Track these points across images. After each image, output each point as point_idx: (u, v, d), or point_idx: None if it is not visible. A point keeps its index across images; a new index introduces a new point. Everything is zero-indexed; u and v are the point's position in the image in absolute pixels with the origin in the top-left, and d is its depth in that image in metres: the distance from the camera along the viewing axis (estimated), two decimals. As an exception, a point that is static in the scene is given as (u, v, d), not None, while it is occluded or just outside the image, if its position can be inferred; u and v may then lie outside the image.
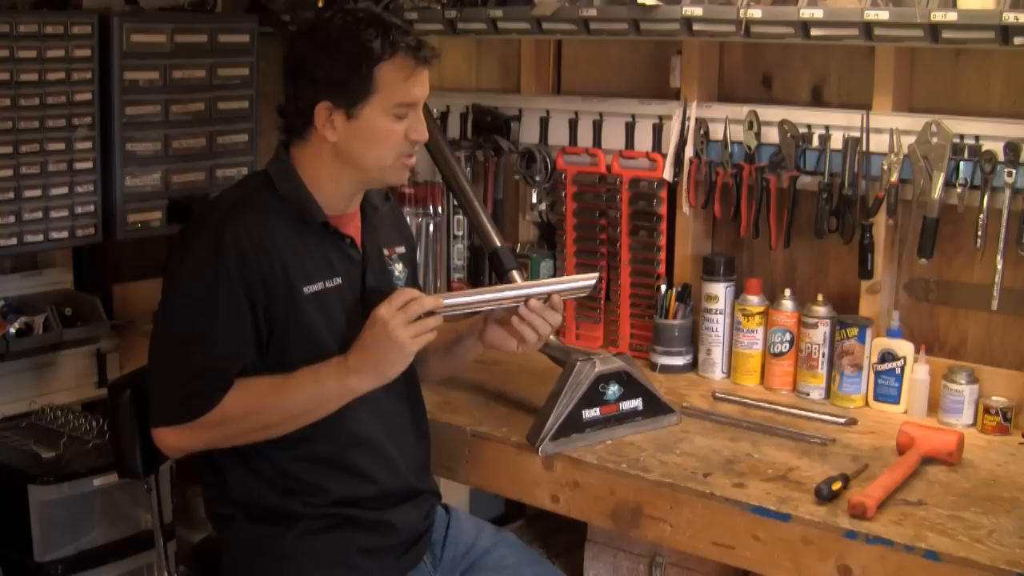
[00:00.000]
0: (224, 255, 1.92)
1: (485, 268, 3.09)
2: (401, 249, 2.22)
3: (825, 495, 2.00)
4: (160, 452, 2.28)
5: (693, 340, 2.80)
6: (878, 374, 2.53)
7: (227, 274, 1.92)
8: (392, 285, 2.15)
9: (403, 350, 1.93)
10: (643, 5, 2.58)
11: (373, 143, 1.99)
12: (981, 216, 2.35)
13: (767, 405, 2.54)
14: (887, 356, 2.51)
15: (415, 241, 2.34)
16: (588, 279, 2.19)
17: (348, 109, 1.97)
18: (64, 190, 2.84)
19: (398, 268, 2.19)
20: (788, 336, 2.63)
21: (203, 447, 2.01)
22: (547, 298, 2.12)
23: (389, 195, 2.24)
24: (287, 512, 2.00)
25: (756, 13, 2.45)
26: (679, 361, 2.79)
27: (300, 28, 2.09)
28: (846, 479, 2.06)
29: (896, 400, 2.52)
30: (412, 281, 2.24)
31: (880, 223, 2.52)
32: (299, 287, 1.98)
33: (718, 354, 2.74)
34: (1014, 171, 2.30)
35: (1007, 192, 2.32)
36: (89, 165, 2.87)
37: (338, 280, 2.04)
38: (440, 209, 3.21)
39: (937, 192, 2.39)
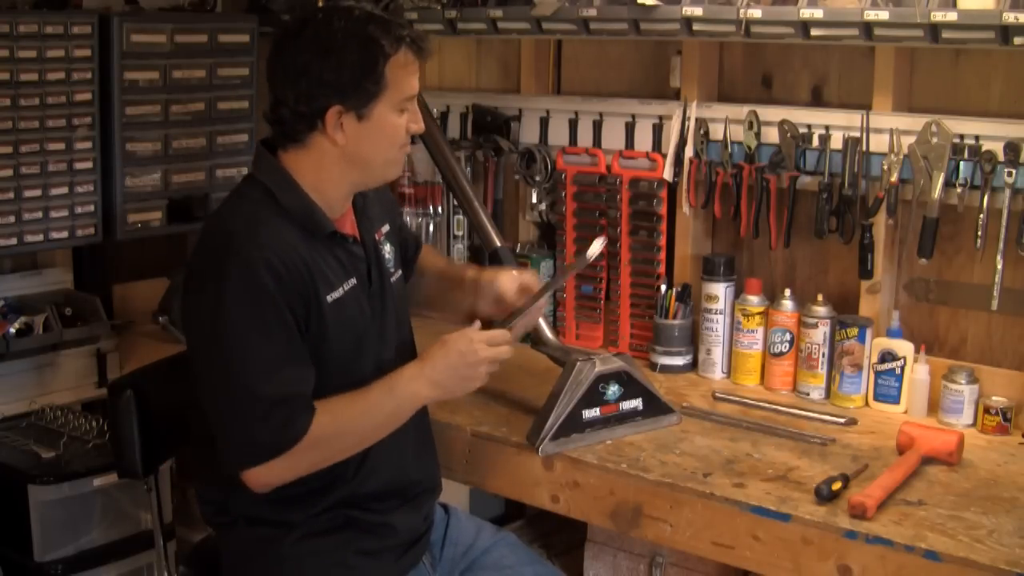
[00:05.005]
0: (261, 280, 1.86)
1: (485, 268, 3.09)
2: (386, 228, 2.17)
3: (825, 495, 2.00)
4: (160, 452, 2.30)
5: (693, 340, 2.80)
6: (878, 374, 2.52)
7: (269, 297, 1.86)
8: (387, 271, 2.12)
9: (472, 383, 2.00)
10: (643, 5, 2.58)
11: (382, 141, 1.96)
12: (981, 216, 2.35)
13: (767, 405, 2.53)
14: (887, 356, 2.51)
15: (398, 207, 2.27)
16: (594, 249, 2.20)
17: (359, 110, 1.92)
18: (64, 190, 2.84)
19: (387, 249, 2.15)
20: (788, 336, 2.63)
21: (296, 476, 1.93)
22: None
23: None
24: (287, 520, 2.00)
25: (756, 13, 2.45)
26: (679, 361, 2.79)
27: (289, 30, 1.96)
28: (846, 479, 2.06)
29: (896, 400, 2.52)
30: (400, 260, 2.20)
31: (880, 223, 2.52)
32: (323, 297, 1.95)
33: (718, 354, 2.73)
34: (1014, 171, 2.30)
35: (1007, 192, 2.32)
36: (89, 165, 2.87)
37: (353, 281, 2.02)
38: (440, 209, 3.21)
39: (937, 192, 2.39)
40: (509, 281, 2.21)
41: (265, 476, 1.90)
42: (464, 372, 1.99)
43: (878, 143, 2.48)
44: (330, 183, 1.99)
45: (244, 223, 1.93)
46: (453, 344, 1.98)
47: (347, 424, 1.94)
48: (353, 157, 1.96)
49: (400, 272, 2.19)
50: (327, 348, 1.97)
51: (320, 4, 3.12)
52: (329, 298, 1.96)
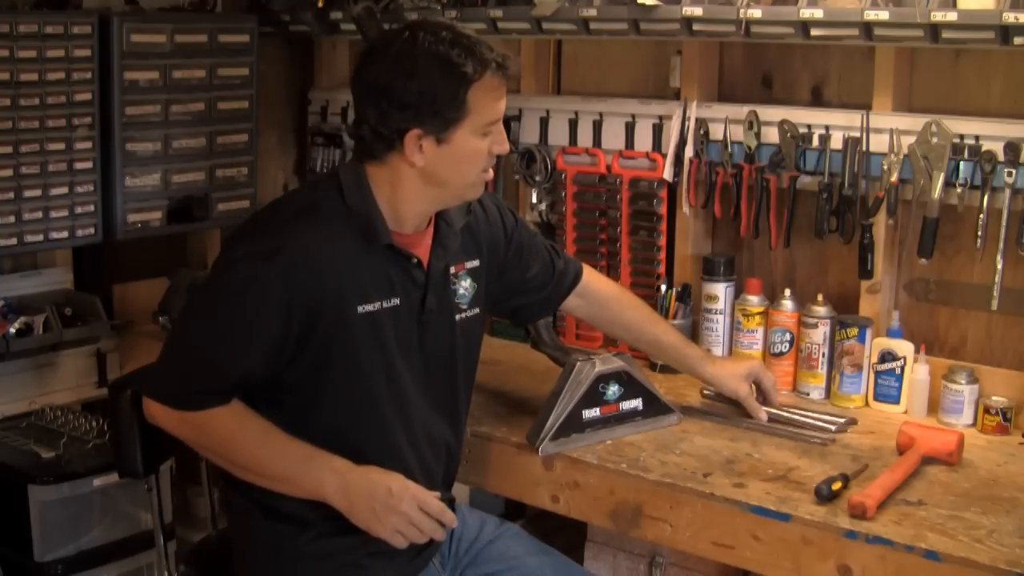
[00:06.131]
0: (272, 264, 1.87)
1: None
2: (473, 263, 2.14)
3: (825, 495, 2.00)
4: (160, 452, 2.30)
5: (693, 340, 2.79)
6: (878, 374, 2.52)
7: (265, 283, 1.88)
8: (454, 305, 2.10)
9: (377, 525, 1.94)
10: (643, 5, 2.58)
11: (462, 164, 1.95)
12: (981, 216, 2.35)
13: (767, 405, 2.53)
14: (887, 356, 2.51)
15: (495, 249, 2.22)
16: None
17: (439, 135, 1.91)
18: (64, 190, 2.84)
19: (464, 285, 2.12)
20: (788, 336, 2.63)
21: (177, 436, 2.00)
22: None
23: (472, 207, 2.14)
24: (302, 516, 1.99)
25: (756, 13, 2.45)
26: (679, 361, 2.79)
27: (374, 47, 1.97)
28: (846, 479, 2.06)
29: (896, 400, 2.52)
30: (478, 298, 2.15)
31: (880, 223, 2.52)
32: (352, 306, 1.93)
33: (718, 354, 2.73)
34: (1014, 171, 2.30)
35: (1007, 192, 2.32)
36: (89, 165, 2.88)
37: (396, 301, 1.98)
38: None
39: (937, 192, 2.39)
40: (740, 384, 2.43)
41: (154, 411, 1.99)
42: (377, 508, 1.93)
43: (878, 143, 2.48)
44: (405, 200, 1.98)
45: (301, 209, 1.97)
46: (390, 480, 1.95)
47: (240, 441, 1.95)
48: (431, 178, 1.96)
49: (477, 311, 2.15)
50: (357, 361, 1.95)
51: (320, 4, 3.16)
52: (360, 308, 1.94)
